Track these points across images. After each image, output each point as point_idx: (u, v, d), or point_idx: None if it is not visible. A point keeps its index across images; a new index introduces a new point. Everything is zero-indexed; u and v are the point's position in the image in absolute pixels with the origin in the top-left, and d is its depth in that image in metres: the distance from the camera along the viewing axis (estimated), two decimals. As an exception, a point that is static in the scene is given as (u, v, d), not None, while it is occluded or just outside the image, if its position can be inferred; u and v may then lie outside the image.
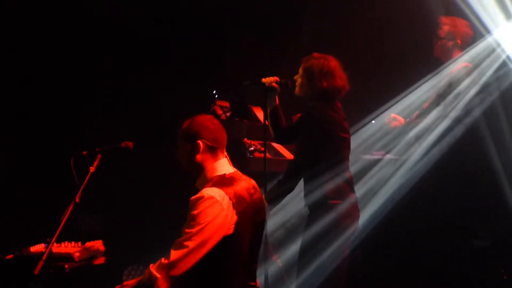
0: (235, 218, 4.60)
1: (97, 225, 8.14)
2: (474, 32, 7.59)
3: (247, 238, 4.66)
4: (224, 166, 4.78)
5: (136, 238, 8.04)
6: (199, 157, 4.74)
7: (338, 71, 6.24)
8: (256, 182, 4.90)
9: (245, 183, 4.76)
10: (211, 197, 4.54)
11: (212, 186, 4.63)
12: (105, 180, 6.27)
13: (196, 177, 4.80)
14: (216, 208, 4.52)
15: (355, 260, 6.44)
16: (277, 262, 6.93)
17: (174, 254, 4.46)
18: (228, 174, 4.74)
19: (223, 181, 4.67)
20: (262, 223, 4.87)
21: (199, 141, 4.74)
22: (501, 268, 7.39)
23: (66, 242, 5.57)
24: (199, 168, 4.77)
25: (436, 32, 7.51)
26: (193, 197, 4.57)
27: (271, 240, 6.63)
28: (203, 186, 4.69)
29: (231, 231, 4.58)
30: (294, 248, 6.56)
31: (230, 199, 4.58)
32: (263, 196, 6.02)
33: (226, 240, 4.56)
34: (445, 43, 7.44)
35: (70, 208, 5.06)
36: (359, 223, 6.29)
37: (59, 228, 4.98)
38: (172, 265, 4.45)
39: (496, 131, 7.48)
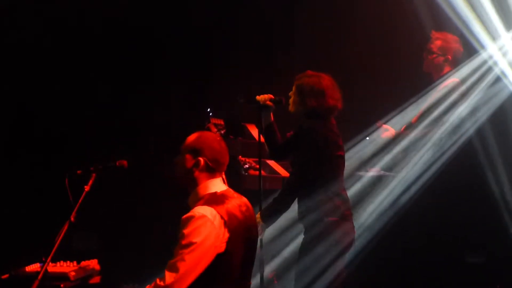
0: (226, 236, 4.58)
1: (92, 244, 8.12)
2: (467, 47, 7.62)
3: (239, 256, 4.64)
4: (217, 184, 4.77)
5: (131, 257, 8.03)
6: (196, 172, 4.75)
7: (330, 90, 6.20)
8: (251, 199, 4.89)
9: (237, 201, 4.75)
10: (203, 216, 4.52)
11: (203, 204, 4.60)
12: (100, 198, 6.26)
13: (187, 190, 4.78)
14: (208, 227, 4.50)
15: (350, 276, 6.44)
16: (273, 279, 6.94)
17: (169, 276, 4.44)
18: (219, 192, 4.72)
19: (215, 199, 4.65)
20: (254, 240, 4.85)
21: (200, 158, 4.74)
22: (496, 284, 7.40)
23: (62, 262, 5.55)
24: (193, 183, 4.75)
25: (427, 46, 7.52)
26: (184, 216, 4.55)
27: (266, 257, 6.63)
28: (194, 204, 4.66)
29: (223, 249, 4.56)
30: (290, 265, 6.56)
31: (221, 217, 4.56)
32: (259, 213, 6.08)
33: (218, 258, 4.54)
34: (436, 58, 7.46)
35: (65, 227, 5.05)
36: (354, 240, 6.29)
37: (54, 247, 4.97)
38: (169, 287, 4.45)
39: (490, 147, 7.50)
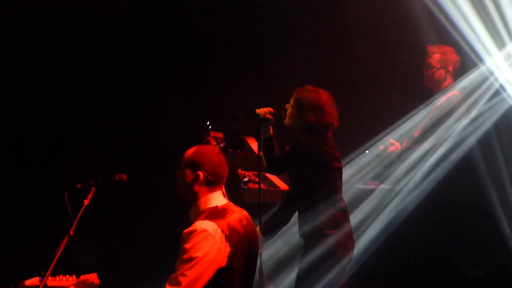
0: (228, 250, 4.57)
1: (92, 258, 8.11)
2: (466, 60, 7.66)
3: (240, 270, 4.63)
4: (217, 198, 4.77)
5: (130, 271, 8.02)
6: (196, 187, 4.74)
7: (328, 107, 6.24)
8: (250, 213, 4.89)
9: (238, 215, 4.75)
10: (204, 230, 4.52)
11: (204, 218, 4.61)
12: (100, 212, 6.26)
13: (188, 204, 4.78)
14: (209, 241, 4.50)
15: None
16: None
17: None
18: (220, 206, 4.72)
19: (216, 213, 4.65)
20: (255, 254, 4.84)
21: (200, 172, 4.74)
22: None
23: (61, 275, 5.54)
24: (193, 197, 4.74)
25: (425, 61, 7.56)
26: (185, 230, 4.55)
27: (266, 272, 6.62)
28: (195, 218, 4.67)
29: (224, 263, 4.55)
30: (289, 279, 6.55)
31: (223, 231, 4.56)
32: (258, 227, 6.07)
33: (219, 273, 4.53)
34: (436, 72, 7.50)
35: (65, 241, 5.06)
36: (354, 253, 6.29)
37: (53, 261, 4.98)
38: None
39: (491, 160, 7.51)
